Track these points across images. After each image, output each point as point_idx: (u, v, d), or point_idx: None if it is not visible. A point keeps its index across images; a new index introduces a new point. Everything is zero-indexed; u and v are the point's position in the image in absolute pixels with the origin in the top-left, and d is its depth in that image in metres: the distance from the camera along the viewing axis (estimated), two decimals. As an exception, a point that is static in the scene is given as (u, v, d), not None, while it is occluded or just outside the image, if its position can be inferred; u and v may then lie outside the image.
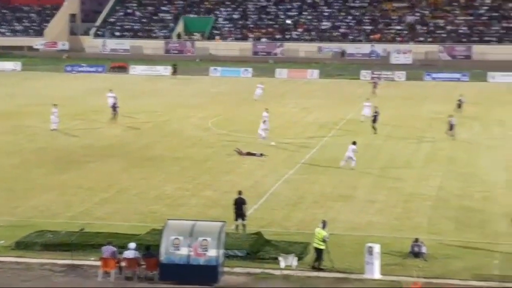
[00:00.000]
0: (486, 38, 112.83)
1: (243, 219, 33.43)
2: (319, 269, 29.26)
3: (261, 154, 49.15)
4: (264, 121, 53.63)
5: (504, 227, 34.05)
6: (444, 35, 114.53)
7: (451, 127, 54.23)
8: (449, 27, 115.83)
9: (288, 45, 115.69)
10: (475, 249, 31.67)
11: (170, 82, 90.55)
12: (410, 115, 64.35)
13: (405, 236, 32.43)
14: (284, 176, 43.97)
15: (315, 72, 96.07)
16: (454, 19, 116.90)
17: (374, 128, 56.41)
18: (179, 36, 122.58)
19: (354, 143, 45.87)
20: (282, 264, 29.22)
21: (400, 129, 57.79)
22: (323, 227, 29.71)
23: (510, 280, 28.27)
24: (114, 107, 61.84)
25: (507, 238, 32.42)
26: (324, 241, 29.31)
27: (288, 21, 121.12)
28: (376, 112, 57.45)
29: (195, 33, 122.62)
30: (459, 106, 64.40)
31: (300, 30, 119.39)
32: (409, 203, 38.80)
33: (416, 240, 30.85)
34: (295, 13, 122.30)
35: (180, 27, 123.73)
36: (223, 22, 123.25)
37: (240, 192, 34.21)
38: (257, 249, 30.71)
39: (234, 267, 29.39)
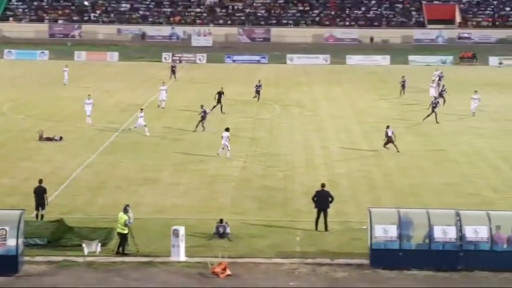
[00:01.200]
0: (284, 21, 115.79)
1: (43, 208, 32.28)
2: (124, 254, 28.75)
3: (61, 138, 47.80)
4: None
5: (304, 204, 34.97)
6: (243, 18, 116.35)
7: (202, 117, 51.17)
8: (247, 10, 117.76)
9: (86, 27, 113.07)
10: (278, 227, 32.34)
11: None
12: (212, 97, 64.72)
13: (210, 218, 32.54)
14: (86, 161, 42.88)
15: (115, 55, 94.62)
16: (252, 2, 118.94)
17: (214, 107, 57.17)
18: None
19: (227, 129, 44.65)
20: (86, 250, 28.45)
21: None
22: (125, 211, 29.19)
23: (311, 256, 29.08)
24: None
25: (307, 215, 33.31)
26: (126, 225, 28.81)
27: (86, 3, 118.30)
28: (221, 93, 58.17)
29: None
30: (258, 92, 64.45)
31: (98, 11, 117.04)
32: (213, 184, 38.99)
33: (221, 221, 31.02)
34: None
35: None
36: (17, 3, 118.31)
37: (40, 181, 33.04)
38: (59, 236, 29.79)
39: (35, 256, 28.39)
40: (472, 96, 57.95)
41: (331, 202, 32.20)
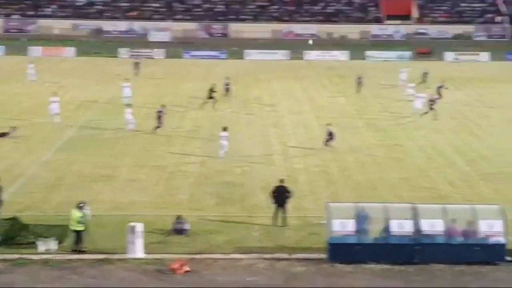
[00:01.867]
0: (242, 17, 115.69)
1: (-1, 206, 31.88)
2: (80, 251, 28.48)
3: (14, 128, 47.14)
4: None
5: (262, 200, 34.96)
6: (202, 13, 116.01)
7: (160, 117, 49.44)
8: (206, 5, 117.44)
9: (42, 22, 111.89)
10: (236, 223, 32.29)
11: None
12: (170, 93, 64.49)
13: (168, 214, 32.39)
14: (42, 158, 42.42)
15: (71, 50, 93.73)
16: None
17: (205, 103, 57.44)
18: None
19: (225, 129, 43.49)
20: (41, 248, 28.14)
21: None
22: (79, 208, 28.91)
23: (269, 251, 29.08)
24: None
25: (265, 211, 33.31)
26: (80, 222, 28.54)
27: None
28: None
29: None
30: (227, 90, 63.48)
31: (54, 6, 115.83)
32: (171, 180, 38.81)
33: (179, 217, 30.88)
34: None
35: None
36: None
37: (-3, 179, 32.62)
38: (14, 234, 29.41)
39: (-11, 254, 28.02)
40: (417, 94, 57.54)
41: (289, 197, 32.22)
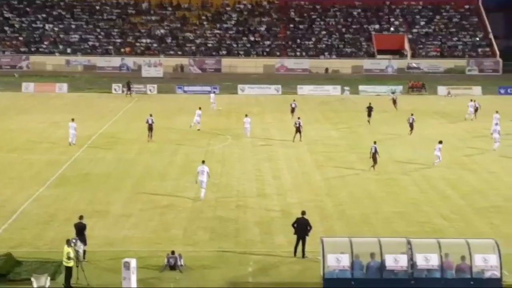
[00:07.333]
0: (235, 52, 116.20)
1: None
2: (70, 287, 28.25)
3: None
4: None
5: (256, 234, 34.79)
6: (194, 48, 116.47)
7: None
8: (198, 41, 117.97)
9: (35, 58, 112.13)
10: (230, 258, 32.08)
11: None
12: (164, 128, 64.42)
13: (162, 249, 32.19)
14: (34, 194, 42.17)
15: (64, 86, 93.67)
16: (203, 32, 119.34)
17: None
18: None
19: (203, 162, 42.63)
20: (35, 284, 27.89)
21: (153, 142, 57.67)
22: (68, 244, 28.74)
23: (263, 286, 28.86)
24: None
25: (259, 245, 33.17)
26: (69, 258, 28.33)
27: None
28: None
29: None
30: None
31: (46, 42, 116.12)
32: (165, 215, 38.61)
33: (172, 252, 30.69)
34: (40, 25, 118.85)
35: None
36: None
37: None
38: (7, 270, 29.21)
39: (-17, 291, 27.77)
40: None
41: (309, 230, 32.13)
